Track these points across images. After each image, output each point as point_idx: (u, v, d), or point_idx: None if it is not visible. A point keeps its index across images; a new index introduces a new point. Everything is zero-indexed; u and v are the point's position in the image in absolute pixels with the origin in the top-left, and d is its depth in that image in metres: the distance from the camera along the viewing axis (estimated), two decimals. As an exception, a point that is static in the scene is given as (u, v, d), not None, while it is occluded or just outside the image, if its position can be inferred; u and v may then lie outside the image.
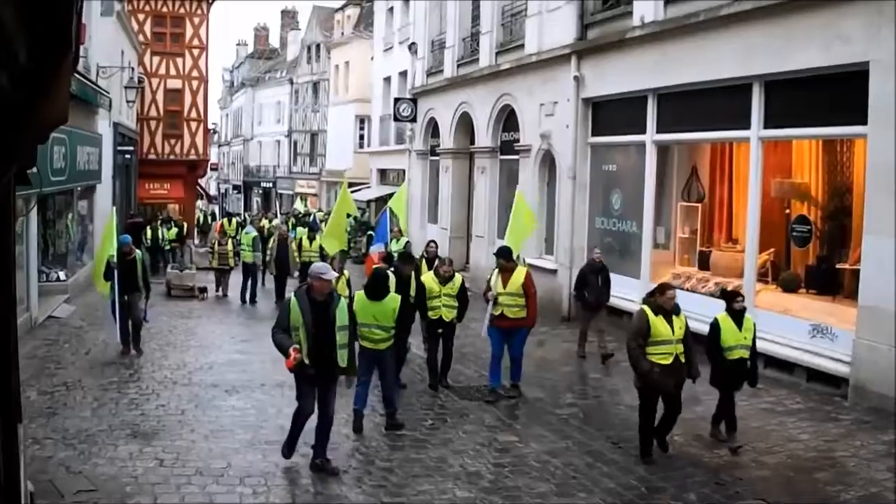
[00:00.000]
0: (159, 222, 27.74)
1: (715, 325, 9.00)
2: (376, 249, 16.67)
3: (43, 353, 13.22)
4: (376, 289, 9.40)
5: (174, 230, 27.22)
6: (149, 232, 26.07)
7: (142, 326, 13.62)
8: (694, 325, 13.18)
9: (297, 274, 19.40)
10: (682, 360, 8.38)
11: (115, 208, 17.01)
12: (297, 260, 19.57)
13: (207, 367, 12.51)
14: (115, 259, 13.06)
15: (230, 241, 21.75)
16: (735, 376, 9.03)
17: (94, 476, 7.77)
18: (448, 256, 12.52)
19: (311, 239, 19.94)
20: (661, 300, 8.37)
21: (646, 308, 8.43)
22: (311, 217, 33.61)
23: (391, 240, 18.36)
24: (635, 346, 8.31)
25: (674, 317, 8.38)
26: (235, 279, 20.88)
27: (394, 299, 9.45)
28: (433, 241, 15.12)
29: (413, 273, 11.46)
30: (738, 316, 8.98)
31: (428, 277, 11.44)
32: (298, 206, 45.13)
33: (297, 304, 7.70)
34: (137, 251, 13.68)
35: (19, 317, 12.05)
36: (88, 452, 8.42)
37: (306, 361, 7.61)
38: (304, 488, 7.72)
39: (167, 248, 26.53)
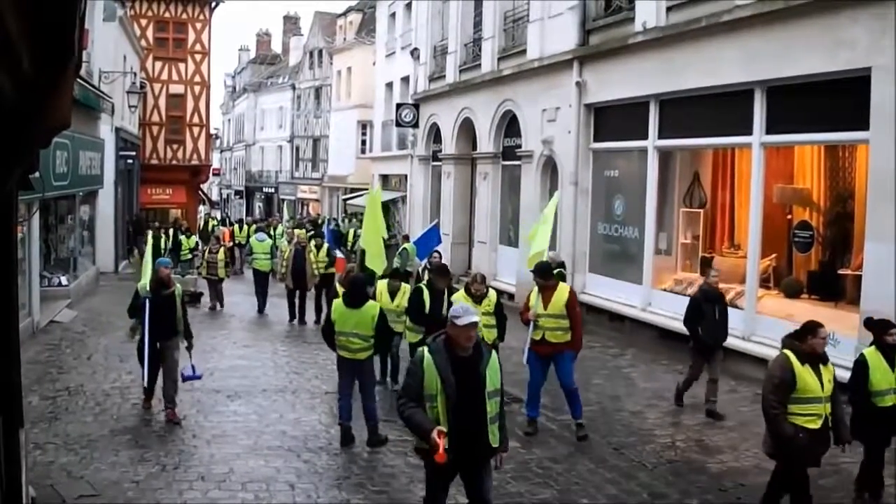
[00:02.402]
0: (173, 230, 26.15)
1: (861, 364, 7.33)
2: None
3: (45, 357, 13.22)
4: (354, 296, 9.17)
5: (193, 238, 25.45)
6: (150, 240, 24.64)
7: (177, 385, 10.16)
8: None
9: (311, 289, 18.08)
10: (829, 422, 6.66)
11: (151, 233, 16.14)
12: (316, 272, 17.79)
13: (209, 373, 12.48)
14: (147, 289, 10.07)
15: (222, 249, 20.09)
16: (886, 426, 7.29)
17: (96, 481, 7.77)
18: (479, 273, 11.04)
19: (319, 247, 18.21)
20: (812, 343, 6.61)
21: (789, 354, 6.62)
22: (325, 223, 31.72)
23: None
24: (777, 404, 6.53)
25: (821, 366, 6.64)
26: (227, 288, 20.39)
27: (373, 307, 9.13)
28: (437, 251, 15.03)
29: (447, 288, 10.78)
30: (890, 352, 7.30)
31: (460, 296, 10.18)
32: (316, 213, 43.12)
33: (432, 364, 5.52)
34: (177, 285, 10.58)
35: (21, 322, 12.04)
36: (90, 457, 8.43)
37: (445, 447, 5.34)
38: (306, 493, 7.71)
39: (187, 258, 24.25)
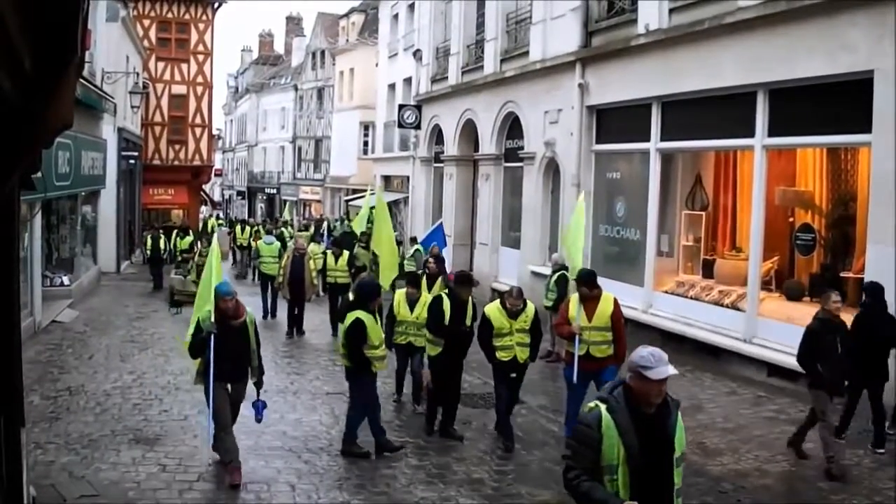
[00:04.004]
0: (174, 231, 24.93)
1: None
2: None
3: (46, 357, 13.23)
4: (355, 302, 9.01)
5: (188, 239, 23.69)
6: (149, 241, 23.59)
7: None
8: (700, 335, 13.28)
9: (314, 297, 16.81)
10: None
11: (216, 236, 14.77)
12: (316, 281, 16.59)
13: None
14: (210, 320, 8.06)
15: None
16: None
17: (97, 481, 7.77)
18: (516, 286, 9.83)
19: (337, 256, 16.40)
20: None
21: None
22: (328, 225, 29.85)
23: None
24: None
25: None
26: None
27: (349, 316, 8.74)
28: (435, 245, 14.81)
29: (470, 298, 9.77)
30: None
31: (494, 310, 9.18)
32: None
33: (613, 426, 4.25)
34: (248, 311, 8.59)
35: (23, 321, 12.02)
36: (91, 457, 8.43)
37: None
38: (307, 494, 7.70)
39: (178, 259, 22.93)
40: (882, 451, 8.77)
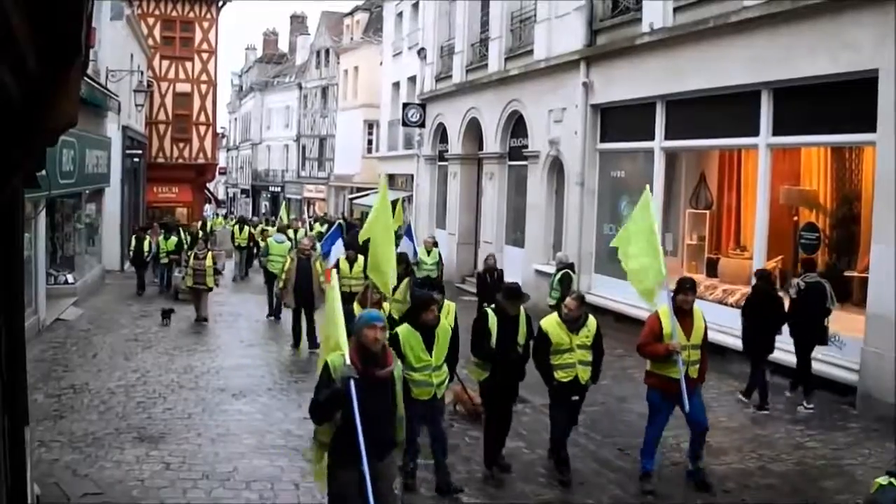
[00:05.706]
0: (162, 231, 23.07)
1: None
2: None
3: (50, 355, 13.25)
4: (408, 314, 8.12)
5: (173, 240, 21.83)
6: (133, 242, 22.26)
7: None
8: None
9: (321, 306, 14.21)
10: None
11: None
12: (324, 286, 14.18)
13: (214, 371, 12.52)
14: (347, 363, 5.42)
15: (210, 255, 17.41)
16: None
17: (101, 479, 7.78)
18: (578, 291, 9.01)
19: (352, 262, 14.45)
20: None
21: None
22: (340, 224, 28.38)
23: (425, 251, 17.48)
24: None
25: None
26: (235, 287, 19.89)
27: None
28: (492, 255, 14.49)
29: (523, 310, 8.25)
30: None
31: (552, 323, 7.98)
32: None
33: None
34: (397, 360, 5.96)
35: (27, 320, 12.04)
36: (95, 455, 8.44)
37: None
38: (311, 493, 7.70)
39: (163, 261, 21.68)
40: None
